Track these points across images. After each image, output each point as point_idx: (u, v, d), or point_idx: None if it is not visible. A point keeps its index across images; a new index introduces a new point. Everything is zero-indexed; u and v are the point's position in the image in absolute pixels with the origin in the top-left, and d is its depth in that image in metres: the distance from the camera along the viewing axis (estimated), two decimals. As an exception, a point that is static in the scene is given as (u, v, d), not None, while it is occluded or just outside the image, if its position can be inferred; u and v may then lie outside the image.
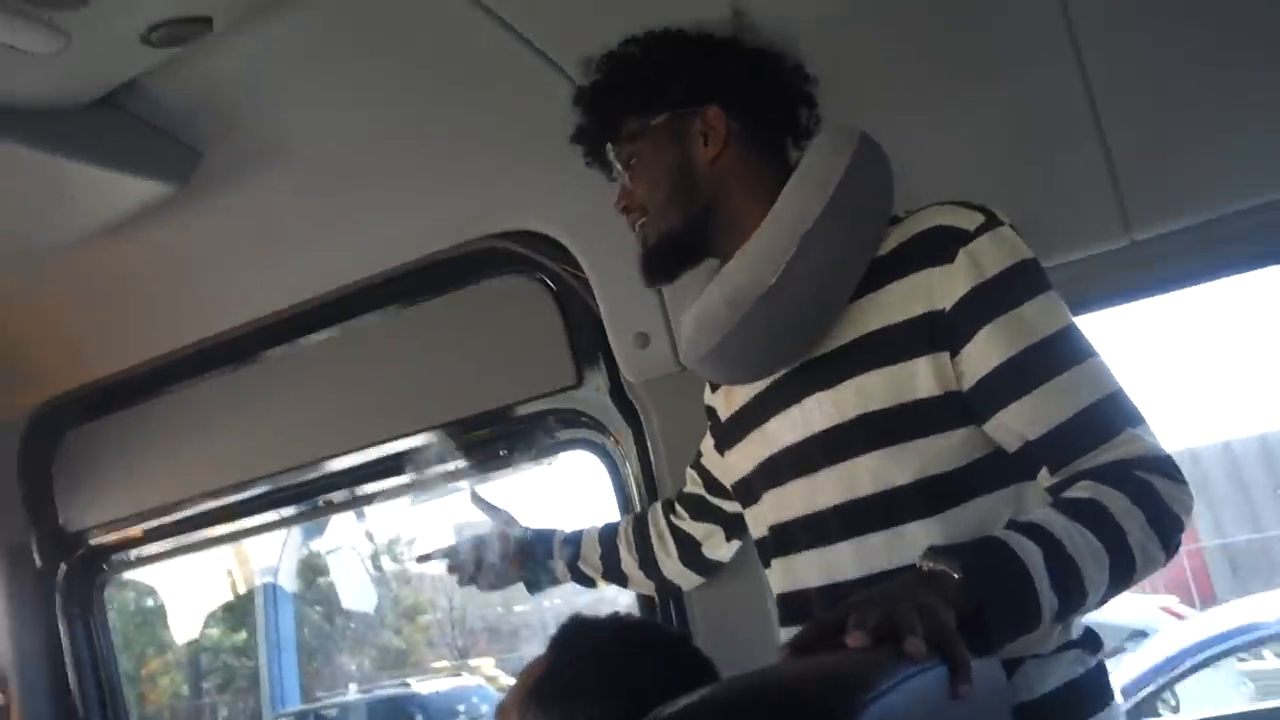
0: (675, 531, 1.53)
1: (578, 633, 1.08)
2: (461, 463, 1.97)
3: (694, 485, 1.50)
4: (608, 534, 1.60)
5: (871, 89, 1.45)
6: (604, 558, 1.58)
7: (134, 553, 2.34)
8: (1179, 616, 8.44)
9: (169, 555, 2.33)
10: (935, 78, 1.46)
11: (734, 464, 1.28)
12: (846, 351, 1.10)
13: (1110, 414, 1.01)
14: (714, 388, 1.36)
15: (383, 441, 1.96)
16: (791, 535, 1.17)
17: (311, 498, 2.18)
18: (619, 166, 1.22)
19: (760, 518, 1.24)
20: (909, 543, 1.05)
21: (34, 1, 1.21)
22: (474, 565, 1.58)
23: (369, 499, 2.19)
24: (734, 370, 1.21)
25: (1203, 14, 1.33)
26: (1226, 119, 1.34)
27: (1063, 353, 1.03)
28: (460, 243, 1.86)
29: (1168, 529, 0.96)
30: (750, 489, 1.25)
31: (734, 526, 1.47)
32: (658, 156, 1.19)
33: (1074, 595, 0.91)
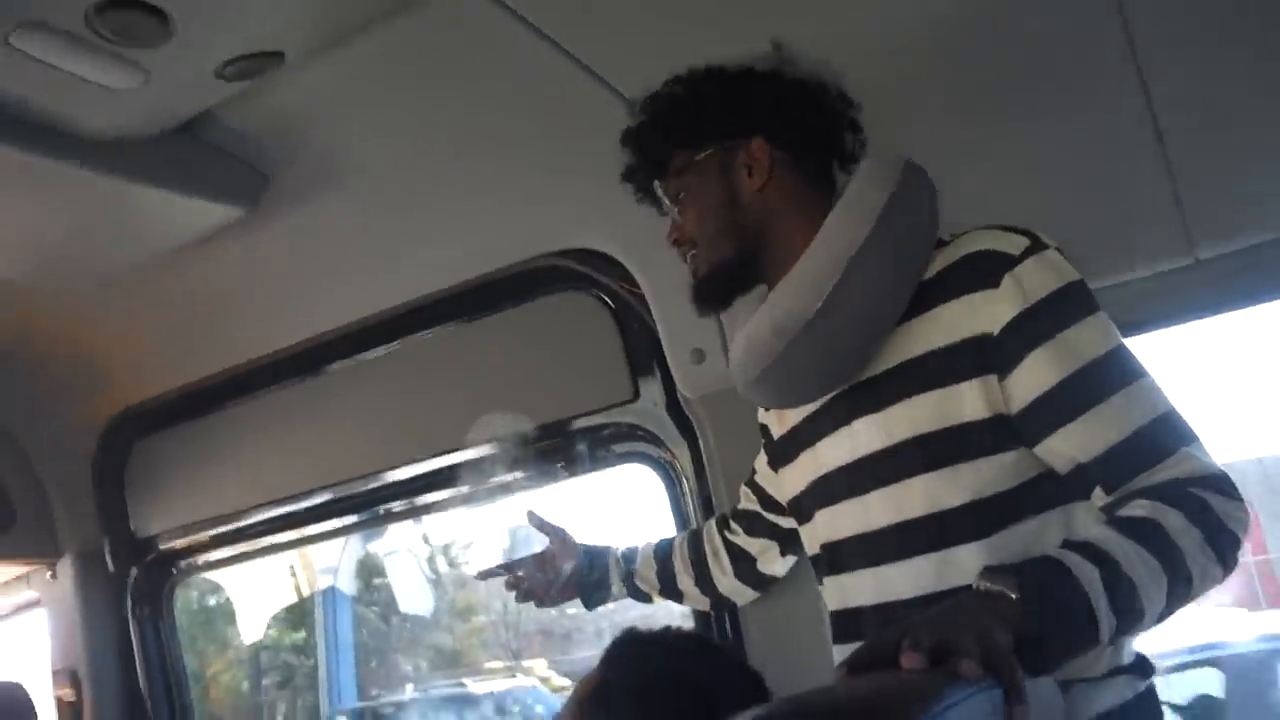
0: (730, 547, 1.54)
1: (629, 647, 1.10)
2: (519, 474, 2.01)
3: (749, 501, 1.51)
4: (663, 550, 1.61)
5: (935, 109, 1.45)
6: (660, 574, 1.60)
7: (201, 558, 2.41)
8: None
9: (235, 561, 2.40)
10: (1002, 101, 1.46)
11: (787, 482, 1.29)
12: (893, 375, 1.12)
13: (1163, 434, 1.01)
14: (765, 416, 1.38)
15: (442, 453, 2.00)
16: (843, 554, 1.18)
17: (372, 506, 2.23)
18: (668, 202, 1.24)
19: (813, 535, 1.25)
20: (959, 565, 1.06)
21: (117, 40, 1.27)
22: (532, 582, 1.60)
23: (427, 508, 2.23)
24: (783, 395, 1.23)
25: (1265, 37, 1.31)
26: None
27: (1112, 375, 1.03)
28: (519, 260, 1.90)
29: (1224, 547, 0.95)
30: (803, 507, 1.26)
31: (789, 541, 1.48)
32: (705, 190, 1.21)
33: (1132, 614, 0.90)
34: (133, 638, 2.40)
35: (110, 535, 2.42)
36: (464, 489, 2.09)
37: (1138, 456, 1.00)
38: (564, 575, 1.59)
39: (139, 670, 2.39)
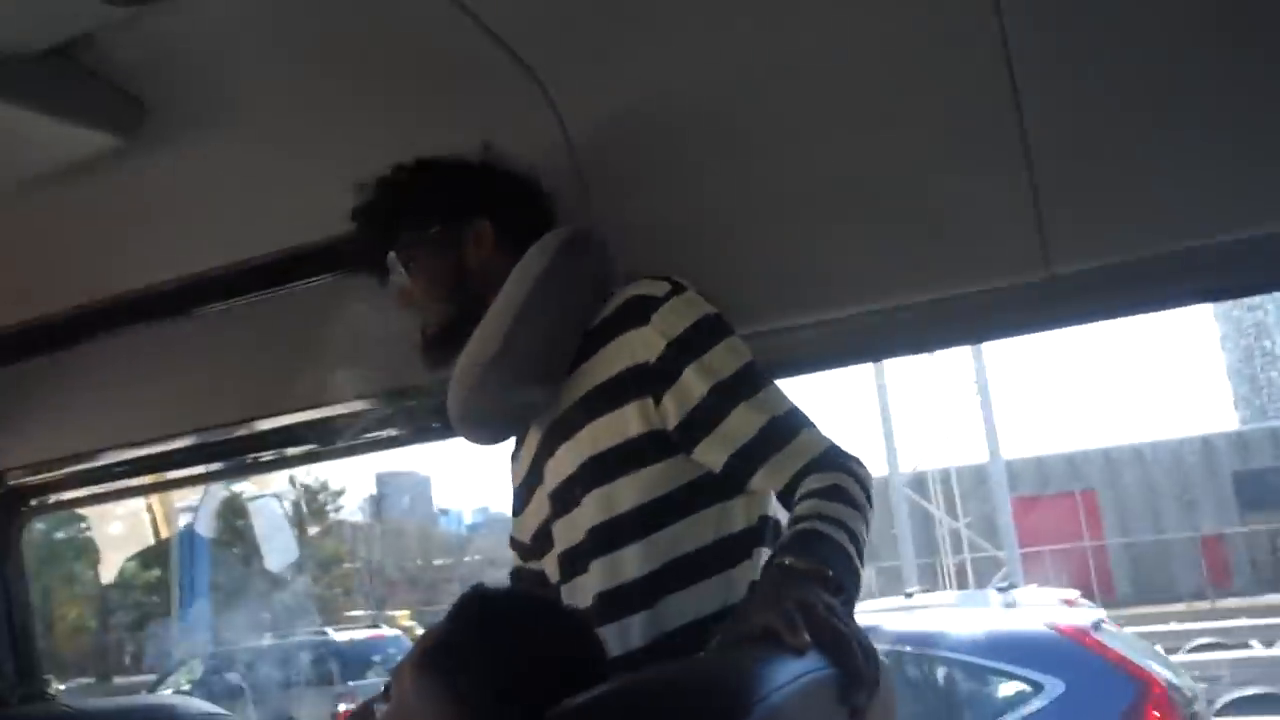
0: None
1: (478, 604, 1.11)
2: (393, 430, 2.00)
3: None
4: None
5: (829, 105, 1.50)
6: None
7: (55, 496, 2.32)
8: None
9: (91, 501, 2.32)
10: (875, 94, 1.51)
11: (529, 518, 1.47)
12: (575, 409, 1.34)
13: (790, 422, 1.26)
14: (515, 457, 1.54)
15: (313, 406, 1.97)
16: (565, 563, 1.38)
17: (238, 455, 2.18)
18: (401, 269, 1.44)
19: (553, 554, 1.41)
20: (625, 564, 1.28)
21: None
22: None
23: (297, 459, 2.20)
24: (480, 428, 1.46)
25: (1137, 59, 1.39)
26: (1150, 166, 1.41)
27: (745, 384, 1.28)
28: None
29: (870, 488, 1.21)
30: (542, 534, 1.43)
31: None
32: (436, 260, 1.44)
33: (860, 561, 1.11)
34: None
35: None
36: (336, 443, 2.06)
37: (773, 440, 1.25)
38: None
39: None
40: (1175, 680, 4.66)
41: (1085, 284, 1.48)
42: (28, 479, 2.30)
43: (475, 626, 1.07)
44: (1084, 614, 5.34)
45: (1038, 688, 4.39)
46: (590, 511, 1.31)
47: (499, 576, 1.64)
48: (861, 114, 1.51)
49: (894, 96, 1.49)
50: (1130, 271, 1.45)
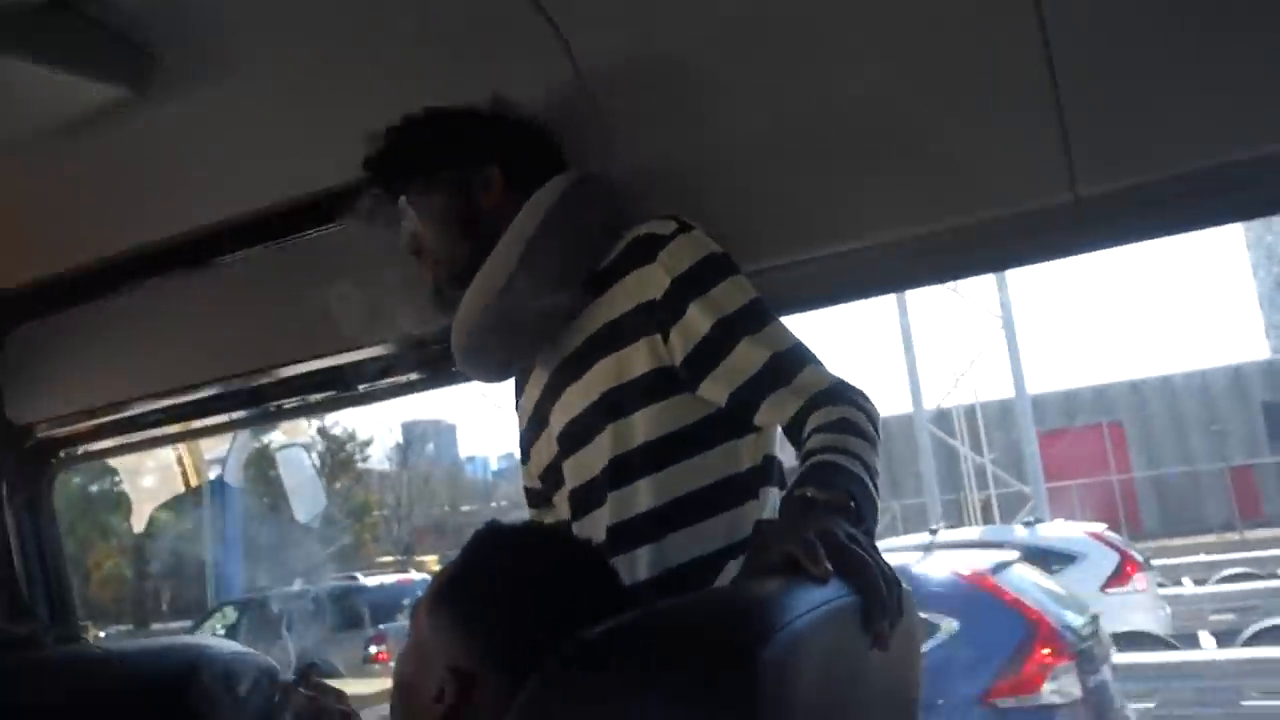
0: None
1: (491, 539, 1.12)
2: (413, 375, 2.00)
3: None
4: None
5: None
6: None
7: (83, 448, 2.35)
8: (1106, 542, 8.79)
9: (119, 451, 2.34)
10: (894, 18, 1.47)
11: (538, 461, 1.49)
12: (583, 349, 1.36)
13: (795, 356, 1.27)
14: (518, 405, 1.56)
15: (337, 352, 1.97)
16: (577, 501, 1.40)
17: (262, 402, 2.19)
18: (412, 215, 1.47)
19: (563, 492, 1.43)
20: (636, 499, 1.30)
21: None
22: None
23: (321, 405, 2.21)
24: (483, 364, 1.47)
25: None
26: (1178, 82, 1.37)
27: (751, 319, 1.29)
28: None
29: (877, 421, 1.21)
30: (552, 471, 1.45)
31: None
32: (445, 206, 1.46)
33: (876, 488, 1.11)
34: (9, 526, 2.34)
35: (-14, 419, 2.33)
36: (360, 388, 2.07)
37: (779, 375, 1.26)
38: None
39: (15, 560, 2.34)
40: (1071, 622, 5.06)
41: (1112, 206, 1.45)
42: (56, 431, 2.33)
43: (488, 559, 1.08)
44: (994, 556, 5.72)
45: (933, 628, 4.74)
46: (605, 445, 1.33)
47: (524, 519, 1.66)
48: (880, 40, 1.48)
49: (914, 19, 1.45)
50: (1159, 191, 1.41)
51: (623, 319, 1.33)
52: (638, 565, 1.29)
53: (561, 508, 1.45)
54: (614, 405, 1.32)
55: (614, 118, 1.61)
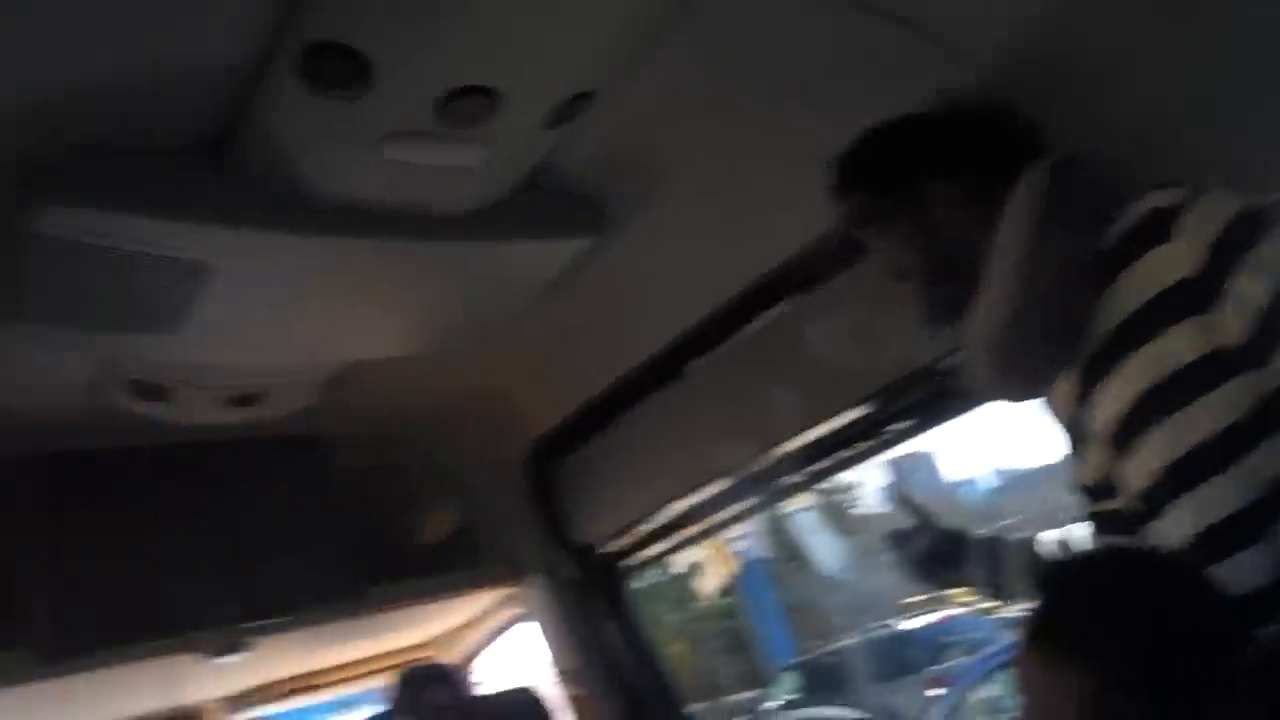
0: None
1: (1062, 574, 1.06)
2: (900, 424, 2.05)
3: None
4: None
5: None
6: None
7: (641, 554, 2.63)
8: None
9: (669, 553, 2.58)
10: None
11: (1086, 467, 1.36)
12: (1111, 343, 1.24)
13: None
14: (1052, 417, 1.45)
15: (832, 416, 2.04)
16: (1144, 502, 1.24)
17: (773, 479, 2.31)
18: (879, 246, 1.46)
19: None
20: (1214, 498, 1.14)
21: (457, 124, 1.42)
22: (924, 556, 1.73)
23: (820, 475, 2.31)
24: (1012, 388, 1.40)
25: None
26: None
27: None
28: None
29: None
30: (1107, 480, 1.31)
31: None
32: (909, 229, 1.41)
33: None
34: (605, 633, 2.68)
35: (562, 548, 2.68)
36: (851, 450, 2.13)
37: None
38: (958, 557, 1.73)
39: (622, 666, 2.66)
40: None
41: None
42: (615, 545, 2.62)
43: (1082, 593, 1.03)
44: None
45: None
46: (1157, 449, 1.19)
47: (1041, 537, 1.65)
48: None
49: None
50: None
51: (1148, 307, 1.20)
52: (1242, 571, 1.12)
53: (1121, 513, 1.32)
54: (1160, 402, 1.19)
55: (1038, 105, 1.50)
